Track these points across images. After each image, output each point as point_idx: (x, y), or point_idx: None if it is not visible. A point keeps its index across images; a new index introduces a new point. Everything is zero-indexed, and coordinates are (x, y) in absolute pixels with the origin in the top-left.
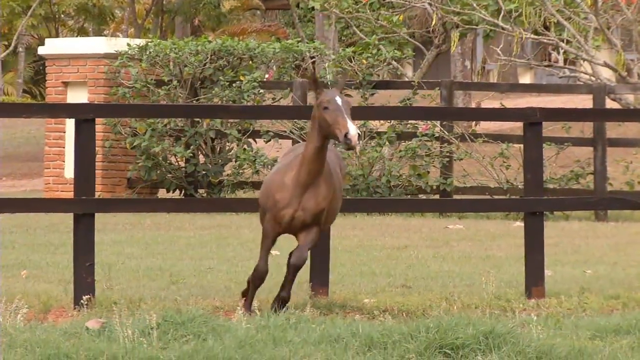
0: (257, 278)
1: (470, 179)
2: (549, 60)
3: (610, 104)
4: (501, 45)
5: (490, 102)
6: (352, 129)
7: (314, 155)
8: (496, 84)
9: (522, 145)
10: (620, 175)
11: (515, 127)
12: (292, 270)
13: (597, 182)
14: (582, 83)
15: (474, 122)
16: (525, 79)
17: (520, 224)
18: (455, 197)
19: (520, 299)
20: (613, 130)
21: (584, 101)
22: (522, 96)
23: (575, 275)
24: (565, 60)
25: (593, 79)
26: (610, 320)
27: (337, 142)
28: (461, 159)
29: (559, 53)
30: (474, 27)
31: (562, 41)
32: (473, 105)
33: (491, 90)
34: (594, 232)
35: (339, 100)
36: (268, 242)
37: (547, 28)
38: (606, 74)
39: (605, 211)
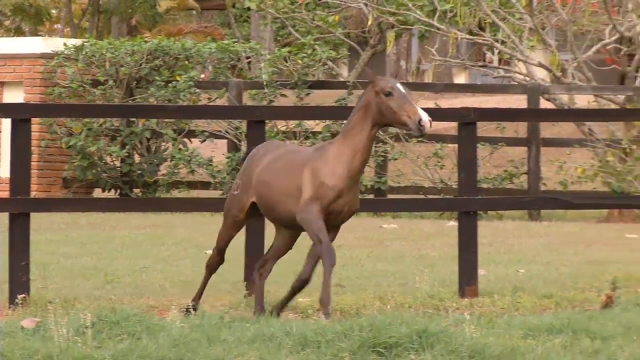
0: (331, 257)
1: (405, 179)
2: (484, 61)
3: (544, 104)
4: (436, 46)
5: (425, 102)
6: (424, 115)
7: (369, 143)
8: (431, 84)
9: (456, 145)
10: (554, 175)
11: (449, 127)
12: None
13: (531, 182)
14: (516, 83)
15: None
16: (460, 79)
17: (454, 223)
18: (390, 196)
19: (453, 298)
20: (547, 130)
21: (519, 101)
22: (456, 96)
23: (509, 274)
24: (499, 61)
25: (527, 79)
26: (543, 319)
27: (402, 128)
28: (396, 159)
29: (493, 53)
30: (410, 27)
31: (497, 41)
32: None
33: (426, 90)
34: (527, 231)
35: (400, 86)
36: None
37: (482, 28)
38: (540, 74)
39: (538, 211)
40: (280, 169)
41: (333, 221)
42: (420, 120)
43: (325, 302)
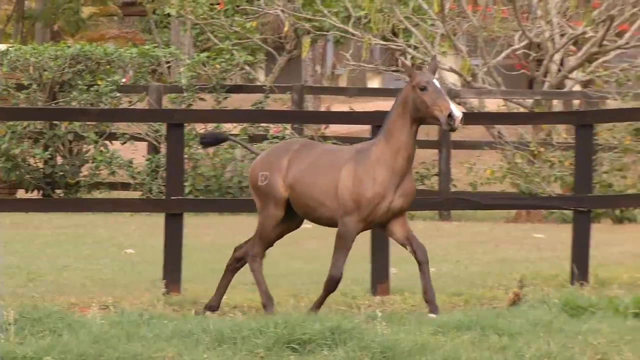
0: (334, 284)
1: None
2: (397, 65)
3: None
4: (351, 51)
5: (340, 105)
6: (455, 110)
7: (411, 140)
8: (346, 88)
9: None
10: (464, 177)
11: (363, 130)
12: (427, 264)
13: (442, 183)
14: None
15: (324, 124)
16: (374, 83)
17: None
18: None
19: (365, 296)
20: (458, 132)
21: None
22: (370, 100)
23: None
24: (412, 65)
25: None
26: (453, 316)
27: (434, 122)
28: None
29: (406, 58)
30: (325, 33)
31: (410, 47)
32: (323, 109)
33: (341, 94)
34: (438, 231)
35: (436, 82)
36: (349, 244)
37: (395, 34)
38: (452, 79)
39: (448, 211)
40: (321, 169)
41: (389, 217)
42: (450, 114)
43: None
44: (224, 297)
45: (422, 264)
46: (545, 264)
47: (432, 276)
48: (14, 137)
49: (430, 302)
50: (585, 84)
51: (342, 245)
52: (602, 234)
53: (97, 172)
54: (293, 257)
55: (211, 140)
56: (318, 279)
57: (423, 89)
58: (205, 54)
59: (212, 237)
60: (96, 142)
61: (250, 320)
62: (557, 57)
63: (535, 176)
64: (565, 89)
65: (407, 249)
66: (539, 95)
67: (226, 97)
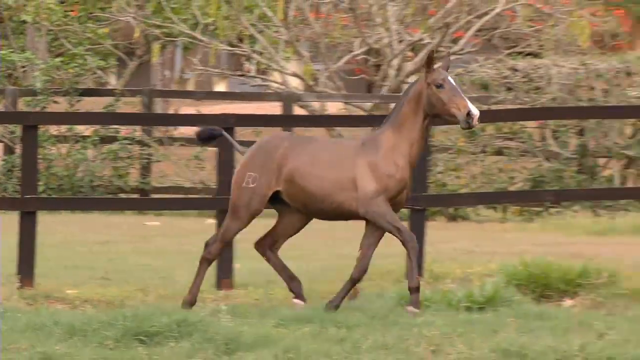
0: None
1: (168, 180)
2: (243, 70)
3: (298, 110)
4: (199, 56)
5: (188, 108)
6: (474, 108)
7: (423, 134)
8: (193, 91)
9: (216, 149)
10: None
11: None
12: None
13: None
14: (272, 91)
15: (173, 126)
16: (221, 87)
17: (212, 221)
18: (154, 196)
19: (210, 290)
20: (301, 134)
21: (274, 108)
22: (217, 103)
23: (262, 268)
24: (257, 70)
25: (283, 87)
26: (294, 309)
27: (450, 119)
28: (159, 161)
29: (251, 63)
30: (174, 39)
31: (255, 52)
32: (172, 111)
33: (189, 97)
34: None
35: (451, 79)
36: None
37: (241, 40)
38: (295, 83)
39: None
40: (327, 162)
41: (395, 211)
42: (469, 112)
43: (414, 290)
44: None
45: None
46: (383, 260)
47: (272, 271)
48: None
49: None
50: None
51: (389, 221)
52: (436, 231)
53: None
54: (142, 253)
55: (207, 136)
56: (165, 275)
57: (439, 86)
58: (60, 59)
59: (64, 234)
60: None
61: (100, 313)
62: (395, 62)
63: None
64: None
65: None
66: (378, 99)
67: (79, 100)
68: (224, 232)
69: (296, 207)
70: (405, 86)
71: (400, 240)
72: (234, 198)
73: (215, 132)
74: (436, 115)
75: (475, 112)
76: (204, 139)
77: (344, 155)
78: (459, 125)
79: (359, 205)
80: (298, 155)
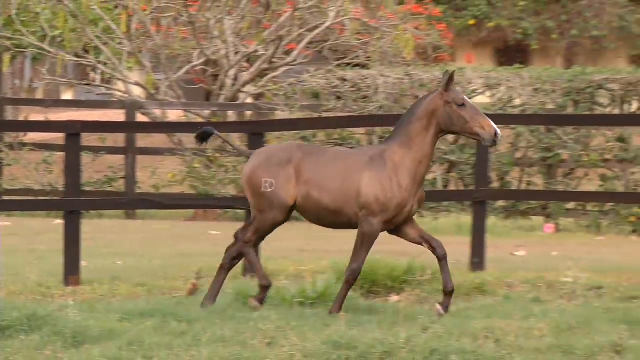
0: (354, 279)
1: (18, 183)
2: (88, 80)
3: (140, 118)
4: (47, 66)
5: (37, 115)
6: (496, 128)
7: (432, 150)
8: (42, 100)
9: (64, 153)
10: (148, 180)
11: (57, 137)
12: (446, 259)
13: (128, 185)
14: (116, 99)
15: (23, 132)
16: (68, 95)
17: (60, 221)
18: (5, 198)
19: (59, 287)
20: (142, 140)
21: (118, 115)
22: (64, 111)
23: (108, 265)
24: (102, 80)
25: (126, 96)
26: (137, 304)
27: (471, 137)
28: (10, 165)
29: (96, 73)
30: (24, 50)
31: (100, 63)
32: (22, 118)
33: (38, 105)
34: (125, 228)
35: (467, 99)
36: (373, 242)
37: (87, 51)
38: (137, 92)
39: (134, 210)
40: (335, 175)
41: (403, 221)
42: (496, 132)
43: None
44: None
45: (442, 259)
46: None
47: (119, 268)
48: None
49: (447, 295)
50: (257, 96)
51: (367, 243)
52: None
53: None
54: None
55: (203, 136)
56: (16, 272)
57: (461, 105)
58: None
59: None
60: None
61: None
62: (231, 72)
63: (212, 179)
64: (239, 101)
65: (424, 246)
66: (216, 107)
67: None
68: (258, 234)
69: (312, 221)
70: (242, 95)
71: (348, 271)
72: (257, 205)
73: (209, 132)
74: (454, 132)
75: (499, 131)
76: (200, 139)
77: (353, 168)
78: (483, 143)
79: (358, 217)
80: (310, 170)
